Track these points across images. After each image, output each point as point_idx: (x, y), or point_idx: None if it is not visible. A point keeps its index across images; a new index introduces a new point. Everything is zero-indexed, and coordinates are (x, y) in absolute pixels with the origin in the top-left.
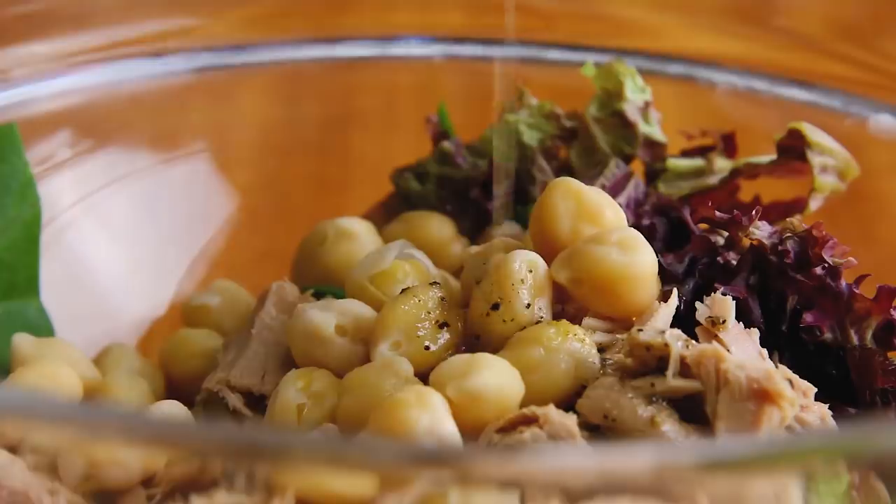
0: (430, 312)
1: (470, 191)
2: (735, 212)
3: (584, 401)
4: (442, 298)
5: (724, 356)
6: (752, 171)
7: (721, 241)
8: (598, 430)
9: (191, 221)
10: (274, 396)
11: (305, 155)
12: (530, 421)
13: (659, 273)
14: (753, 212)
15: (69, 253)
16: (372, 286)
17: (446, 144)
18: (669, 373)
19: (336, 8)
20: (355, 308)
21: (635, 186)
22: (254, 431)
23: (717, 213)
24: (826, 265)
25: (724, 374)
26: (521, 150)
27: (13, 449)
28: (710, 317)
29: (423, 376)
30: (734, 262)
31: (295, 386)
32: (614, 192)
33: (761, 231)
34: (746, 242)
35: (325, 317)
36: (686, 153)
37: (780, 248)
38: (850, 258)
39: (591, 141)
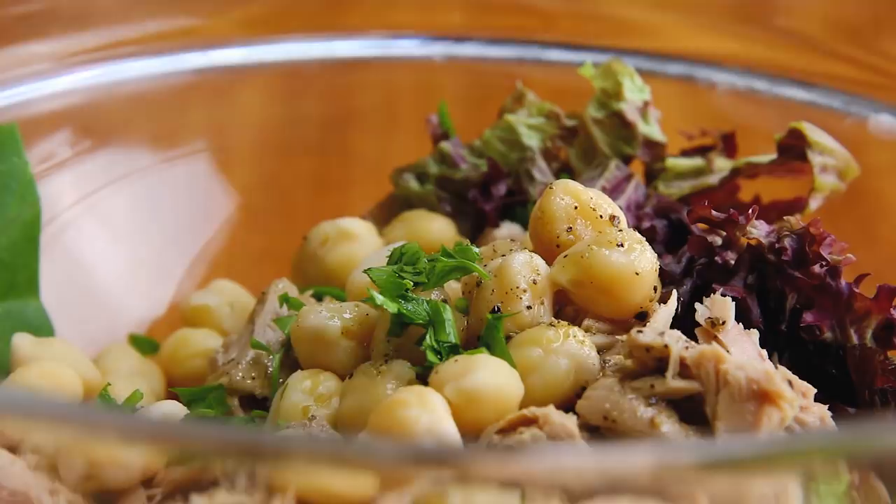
0: None
1: (469, 192)
2: (731, 211)
3: (584, 402)
4: (443, 300)
5: (724, 357)
6: (752, 171)
7: (718, 240)
8: (598, 431)
9: (191, 221)
10: (279, 397)
11: (305, 155)
12: (530, 422)
13: (658, 275)
14: (750, 210)
15: (69, 253)
16: (373, 288)
17: (445, 145)
18: (669, 374)
19: (336, 8)
20: (359, 310)
21: (635, 188)
22: (254, 431)
23: (714, 212)
24: (825, 263)
25: (723, 374)
26: (521, 150)
27: (13, 449)
28: (709, 318)
29: (424, 377)
30: (732, 262)
31: (301, 387)
32: (614, 193)
33: (759, 230)
34: (744, 242)
35: (332, 319)
36: (686, 153)
37: (777, 245)
38: (849, 254)
39: (590, 142)
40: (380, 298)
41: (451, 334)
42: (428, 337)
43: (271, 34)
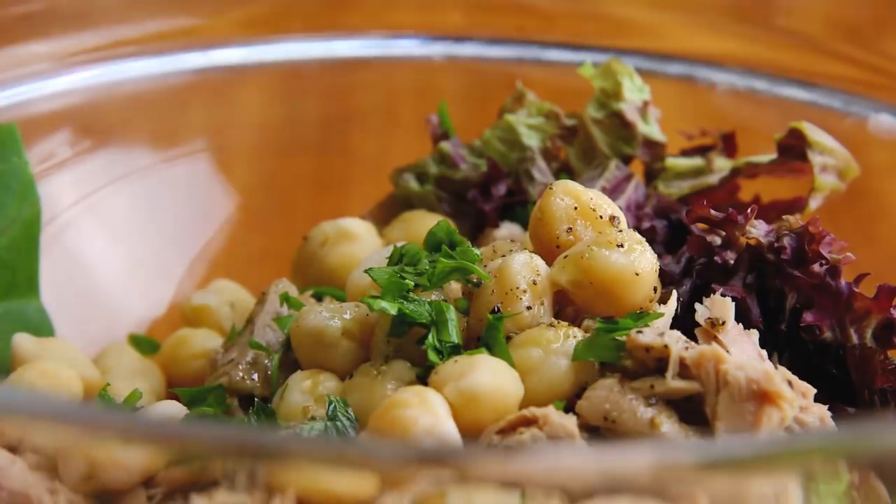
0: None
1: (468, 192)
2: (730, 210)
3: (584, 402)
4: (443, 300)
5: (724, 357)
6: (752, 171)
7: (718, 240)
8: (598, 431)
9: (191, 221)
10: (279, 398)
11: (305, 155)
12: (530, 422)
13: (658, 275)
14: (749, 210)
15: (69, 253)
16: (373, 288)
17: (445, 145)
18: (669, 374)
19: (336, 8)
20: (359, 310)
21: (635, 188)
22: (254, 431)
23: (713, 212)
24: (824, 261)
25: (723, 375)
26: (521, 150)
27: (13, 449)
28: (709, 318)
29: (424, 378)
30: (731, 262)
31: (301, 387)
32: (614, 193)
33: (758, 229)
34: (743, 241)
35: (332, 320)
36: (686, 153)
37: (776, 245)
38: (849, 253)
39: (590, 142)
40: (378, 304)
41: (454, 334)
42: (430, 336)
43: (271, 34)
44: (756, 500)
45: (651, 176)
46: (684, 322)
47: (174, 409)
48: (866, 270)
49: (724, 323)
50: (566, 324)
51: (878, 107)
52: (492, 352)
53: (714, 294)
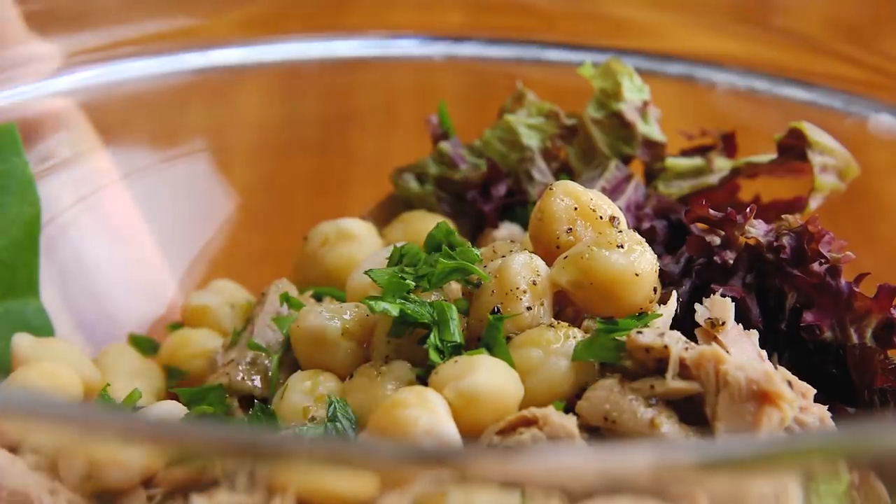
0: None
1: (468, 192)
2: (729, 210)
3: (584, 403)
4: (443, 300)
5: (724, 358)
6: (752, 171)
7: (717, 240)
8: (598, 431)
9: (191, 221)
10: (279, 398)
11: (305, 155)
12: (530, 423)
13: (658, 275)
14: (748, 209)
15: (69, 253)
16: (373, 288)
17: (444, 145)
18: (669, 375)
19: (336, 8)
20: (360, 311)
21: (635, 188)
22: (254, 431)
23: (712, 211)
24: (824, 260)
25: (723, 375)
26: (521, 150)
27: (13, 449)
28: (709, 318)
29: (424, 378)
30: (731, 262)
31: (301, 388)
32: (614, 194)
33: (757, 229)
34: (743, 241)
35: (332, 320)
36: (686, 153)
37: (776, 244)
38: (848, 252)
39: (589, 142)
40: (380, 305)
41: (457, 333)
42: (432, 336)
43: (271, 34)
44: (756, 500)
45: (651, 176)
46: (684, 322)
47: (174, 409)
48: (866, 270)
49: (723, 323)
50: (566, 324)
51: (878, 107)
52: (492, 352)
53: (714, 294)
